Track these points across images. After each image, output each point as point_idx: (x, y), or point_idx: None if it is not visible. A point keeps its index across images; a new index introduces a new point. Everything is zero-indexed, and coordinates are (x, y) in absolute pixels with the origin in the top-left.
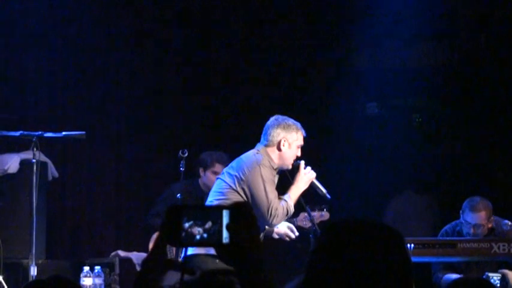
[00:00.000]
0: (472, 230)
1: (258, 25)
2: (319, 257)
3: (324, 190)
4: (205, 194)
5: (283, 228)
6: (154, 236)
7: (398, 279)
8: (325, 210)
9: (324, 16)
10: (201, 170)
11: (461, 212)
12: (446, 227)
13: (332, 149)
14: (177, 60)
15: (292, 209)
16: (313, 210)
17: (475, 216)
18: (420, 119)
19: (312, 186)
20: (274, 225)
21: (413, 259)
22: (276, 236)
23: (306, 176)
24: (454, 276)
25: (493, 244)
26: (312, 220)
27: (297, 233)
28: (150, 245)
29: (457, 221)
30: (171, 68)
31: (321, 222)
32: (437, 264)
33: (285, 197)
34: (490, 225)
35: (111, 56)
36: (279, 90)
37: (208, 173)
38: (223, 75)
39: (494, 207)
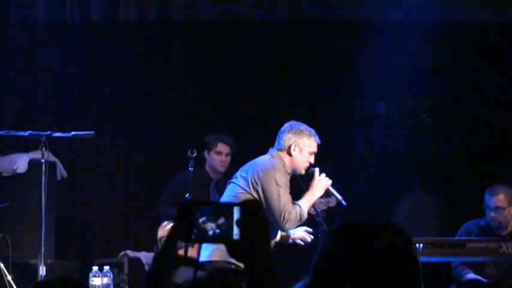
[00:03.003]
0: (492, 214)
1: (267, 25)
2: (325, 258)
3: (339, 197)
4: (212, 180)
5: (299, 233)
6: (164, 224)
7: (406, 280)
8: (332, 196)
9: (332, 16)
10: (206, 153)
11: (483, 204)
12: (469, 222)
13: (341, 149)
14: (187, 59)
15: (305, 215)
16: (320, 197)
17: (493, 199)
18: (429, 119)
19: (327, 193)
20: (287, 230)
21: (423, 259)
22: (291, 241)
23: (321, 183)
24: (473, 275)
25: (502, 244)
26: (320, 221)
27: (312, 237)
28: (159, 233)
29: (479, 218)
30: (180, 67)
31: (328, 208)
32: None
33: (299, 202)
34: None
35: (120, 55)
36: (287, 91)
37: (213, 154)
38: (234, 77)
39: None
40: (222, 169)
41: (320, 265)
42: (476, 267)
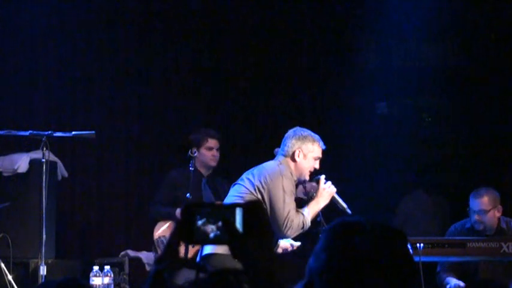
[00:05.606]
0: (476, 217)
1: (267, 25)
2: (321, 256)
3: (344, 205)
4: (203, 177)
5: (284, 243)
6: (159, 224)
7: (403, 280)
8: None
9: (333, 16)
10: (194, 151)
11: (468, 208)
12: (456, 224)
13: (341, 149)
14: (188, 59)
15: (308, 224)
16: (311, 180)
17: (477, 202)
18: (429, 119)
19: (332, 201)
20: (288, 236)
21: (423, 259)
22: (280, 251)
23: (326, 191)
24: (454, 280)
25: (503, 244)
26: (321, 220)
27: (298, 244)
28: (155, 234)
29: (467, 219)
30: (181, 67)
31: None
32: (443, 264)
33: (303, 211)
34: (498, 215)
35: (120, 55)
36: (287, 91)
37: (203, 150)
38: (232, 76)
39: (504, 207)
40: (214, 163)
41: (316, 263)
42: (468, 269)
